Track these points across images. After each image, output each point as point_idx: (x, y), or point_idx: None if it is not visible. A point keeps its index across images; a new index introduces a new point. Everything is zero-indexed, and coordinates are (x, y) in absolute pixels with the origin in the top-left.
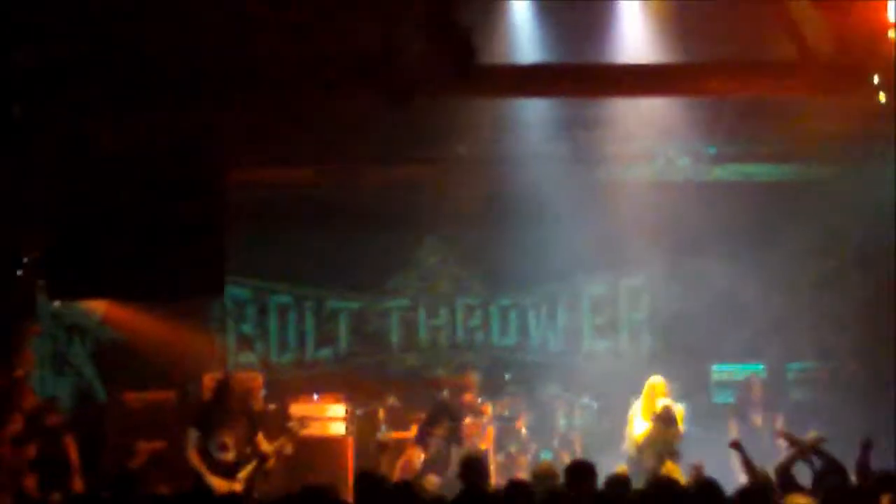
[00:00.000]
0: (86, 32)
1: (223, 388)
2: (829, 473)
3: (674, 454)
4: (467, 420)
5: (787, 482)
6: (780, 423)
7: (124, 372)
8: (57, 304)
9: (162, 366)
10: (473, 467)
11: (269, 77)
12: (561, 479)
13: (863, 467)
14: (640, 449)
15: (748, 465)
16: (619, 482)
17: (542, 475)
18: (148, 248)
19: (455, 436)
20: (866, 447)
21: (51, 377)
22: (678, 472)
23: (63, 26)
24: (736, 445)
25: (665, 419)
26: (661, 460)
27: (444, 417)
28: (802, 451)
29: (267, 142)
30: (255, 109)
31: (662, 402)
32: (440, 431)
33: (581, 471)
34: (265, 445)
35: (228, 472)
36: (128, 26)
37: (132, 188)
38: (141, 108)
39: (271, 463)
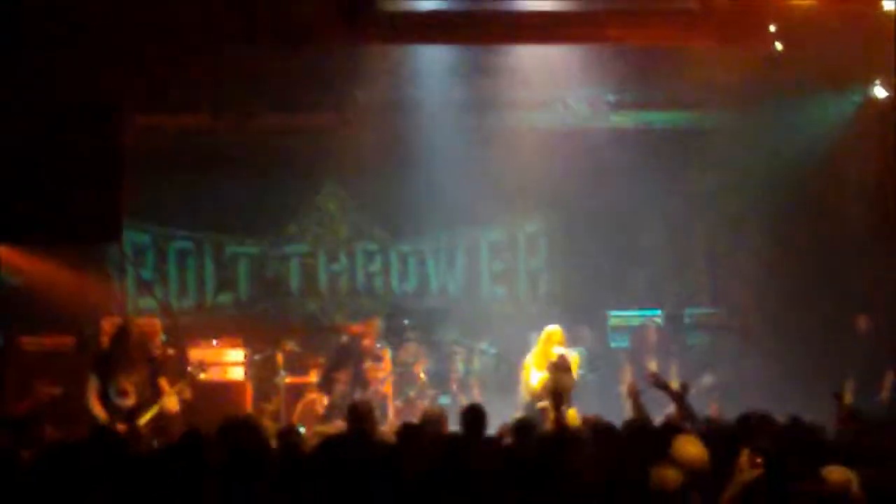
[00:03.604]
0: None
1: (122, 333)
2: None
3: (569, 401)
4: (367, 365)
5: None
6: (674, 369)
7: (22, 317)
8: None
9: (60, 311)
10: (357, 413)
11: (164, 23)
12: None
13: (844, 417)
14: (536, 397)
15: (639, 409)
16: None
17: (430, 419)
18: (45, 192)
19: (359, 380)
20: (838, 399)
21: None
22: (575, 419)
23: None
24: (634, 392)
25: (560, 367)
26: (556, 408)
27: (347, 362)
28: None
29: (164, 88)
30: (152, 56)
31: (558, 350)
32: (344, 376)
33: (474, 415)
34: (165, 390)
35: (129, 417)
36: None
37: (28, 134)
38: (36, 53)
39: (171, 408)
